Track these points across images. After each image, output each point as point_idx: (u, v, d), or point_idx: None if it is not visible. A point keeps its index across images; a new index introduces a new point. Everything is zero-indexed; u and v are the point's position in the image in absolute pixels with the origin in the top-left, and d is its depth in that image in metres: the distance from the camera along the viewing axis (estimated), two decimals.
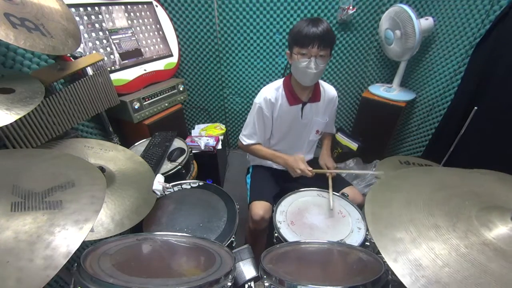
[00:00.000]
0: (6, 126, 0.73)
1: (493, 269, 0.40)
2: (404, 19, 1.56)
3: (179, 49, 1.81)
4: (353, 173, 1.17)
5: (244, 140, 1.25)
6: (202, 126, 2.03)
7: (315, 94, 1.19)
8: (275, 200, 1.10)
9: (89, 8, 1.33)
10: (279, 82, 1.19)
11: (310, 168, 1.11)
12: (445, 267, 0.42)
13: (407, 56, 1.67)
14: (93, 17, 1.34)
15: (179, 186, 1.12)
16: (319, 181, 1.17)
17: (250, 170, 1.38)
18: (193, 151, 1.56)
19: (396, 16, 1.59)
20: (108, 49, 1.40)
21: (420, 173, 0.70)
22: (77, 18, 1.28)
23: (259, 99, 1.16)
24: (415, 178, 0.66)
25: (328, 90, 1.24)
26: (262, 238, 1.23)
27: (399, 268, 0.43)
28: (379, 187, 0.64)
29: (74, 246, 0.44)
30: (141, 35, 1.57)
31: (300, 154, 1.30)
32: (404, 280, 0.41)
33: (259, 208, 1.11)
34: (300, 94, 1.17)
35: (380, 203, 0.58)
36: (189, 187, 1.12)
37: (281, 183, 1.31)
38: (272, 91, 1.16)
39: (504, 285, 0.38)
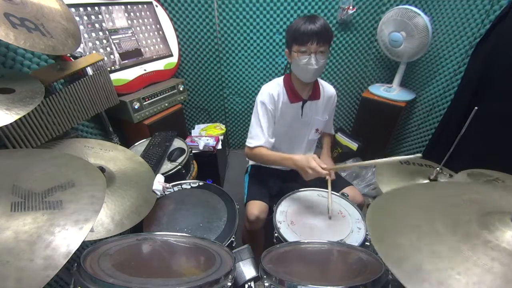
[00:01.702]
0: (6, 126, 0.73)
1: (497, 269, 0.40)
2: (412, 17, 1.55)
3: (179, 49, 1.81)
4: (359, 165, 1.11)
5: (251, 142, 1.16)
6: (202, 126, 2.03)
7: (314, 91, 1.19)
8: (273, 200, 1.10)
9: (89, 8, 1.33)
10: (280, 79, 1.19)
11: (324, 166, 0.94)
12: (447, 269, 0.42)
13: (421, 53, 1.65)
14: (93, 17, 1.34)
15: (179, 186, 1.12)
16: (319, 181, 1.17)
17: (249, 169, 1.38)
18: (193, 151, 1.56)
19: (402, 17, 1.58)
20: (108, 49, 1.40)
21: (420, 188, 0.71)
22: (77, 18, 1.28)
23: (261, 95, 1.15)
24: (416, 191, 0.67)
25: (327, 88, 1.24)
26: (260, 238, 1.23)
27: (401, 273, 0.43)
28: (381, 198, 0.65)
29: (74, 246, 0.43)
30: (141, 35, 1.57)
31: (300, 154, 1.30)
32: (407, 284, 0.41)
33: (255, 208, 1.11)
34: (300, 92, 1.17)
35: (382, 212, 0.59)
36: (189, 187, 1.12)
37: (280, 183, 1.31)
38: (274, 87, 1.15)
39: (508, 282, 0.38)
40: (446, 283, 0.40)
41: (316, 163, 0.94)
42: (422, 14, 1.52)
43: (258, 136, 1.15)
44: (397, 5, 1.78)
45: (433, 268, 0.42)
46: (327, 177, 1.06)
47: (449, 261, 0.43)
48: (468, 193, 0.59)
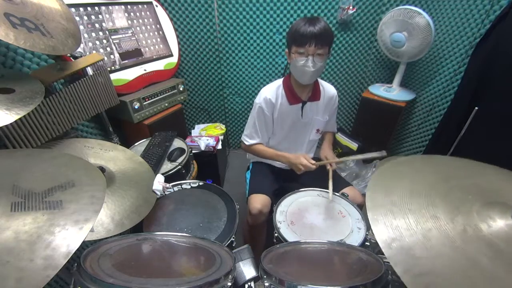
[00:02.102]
0: (6, 126, 0.72)
1: (485, 265, 0.41)
2: (414, 17, 1.55)
3: (179, 49, 1.81)
4: (355, 159, 1.12)
5: (246, 140, 1.25)
6: (202, 126, 2.03)
7: (314, 93, 1.19)
8: (274, 197, 1.10)
9: (89, 8, 1.33)
10: (279, 81, 1.19)
11: (313, 162, 1.10)
12: (437, 257, 0.42)
13: (424, 52, 1.64)
14: (93, 17, 1.34)
15: (179, 186, 1.12)
16: (319, 181, 1.17)
17: (250, 166, 1.38)
18: (193, 151, 1.56)
19: (404, 17, 1.58)
20: (108, 49, 1.40)
21: (426, 161, 0.69)
22: (77, 18, 1.28)
23: (259, 99, 1.17)
24: (420, 166, 0.65)
25: (328, 89, 1.24)
26: (261, 236, 1.23)
27: (392, 254, 0.44)
28: (383, 173, 0.63)
29: (74, 246, 0.43)
30: (141, 35, 1.57)
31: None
32: (396, 268, 0.42)
33: (257, 201, 1.11)
34: (300, 93, 1.17)
35: (382, 190, 0.57)
36: (189, 187, 1.12)
37: (281, 181, 1.31)
38: (272, 91, 1.16)
39: (492, 280, 0.39)
40: (434, 271, 0.41)
41: (306, 161, 1.09)
42: (424, 13, 1.52)
43: (253, 136, 1.24)
44: (397, 5, 1.78)
45: (422, 253, 0.43)
46: (328, 166, 1.17)
47: (440, 248, 0.43)
48: (474, 178, 0.58)
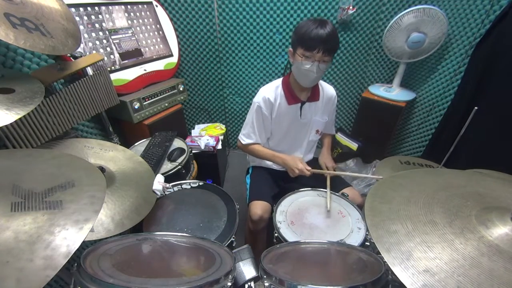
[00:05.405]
0: (6, 126, 0.73)
1: (485, 264, 0.41)
2: (428, 13, 1.54)
3: (179, 49, 1.81)
4: (352, 176, 1.17)
5: (243, 139, 1.25)
6: (202, 126, 2.03)
7: (314, 93, 1.19)
8: (274, 200, 1.10)
9: (89, 8, 1.33)
10: (278, 81, 1.19)
11: (309, 168, 1.11)
12: (436, 259, 0.43)
13: (442, 41, 1.62)
14: (93, 17, 1.34)
15: (179, 186, 1.12)
16: (319, 181, 1.17)
17: (250, 170, 1.38)
18: (193, 151, 1.56)
19: (416, 18, 1.57)
20: (108, 49, 1.40)
21: (426, 174, 0.70)
22: (77, 18, 1.28)
23: (258, 98, 1.16)
24: (420, 178, 0.66)
25: (327, 89, 1.24)
26: (262, 238, 1.23)
27: (390, 258, 0.44)
28: (382, 184, 0.64)
29: (74, 246, 0.43)
30: (141, 35, 1.57)
31: (299, 155, 1.30)
32: (395, 269, 0.43)
33: (258, 208, 1.11)
34: (299, 94, 1.16)
35: (381, 199, 0.59)
36: (189, 187, 1.12)
37: (281, 183, 1.31)
38: (271, 91, 1.16)
39: (493, 278, 0.39)
40: (432, 271, 0.41)
41: (302, 165, 1.11)
42: (432, 7, 1.52)
43: (250, 136, 1.23)
44: (397, 5, 1.78)
45: (422, 256, 0.44)
46: (327, 175, 1.17)
47: (439, 251, 0.44)
48: (474, 186, 0.59)
